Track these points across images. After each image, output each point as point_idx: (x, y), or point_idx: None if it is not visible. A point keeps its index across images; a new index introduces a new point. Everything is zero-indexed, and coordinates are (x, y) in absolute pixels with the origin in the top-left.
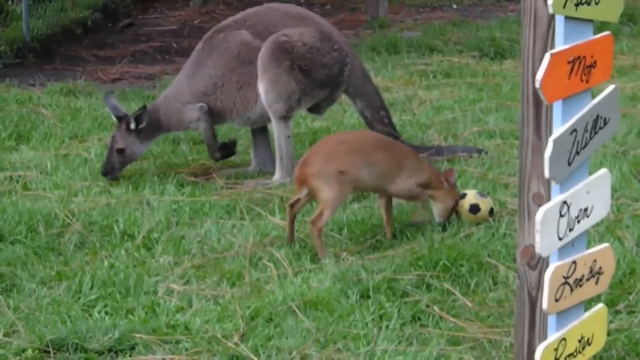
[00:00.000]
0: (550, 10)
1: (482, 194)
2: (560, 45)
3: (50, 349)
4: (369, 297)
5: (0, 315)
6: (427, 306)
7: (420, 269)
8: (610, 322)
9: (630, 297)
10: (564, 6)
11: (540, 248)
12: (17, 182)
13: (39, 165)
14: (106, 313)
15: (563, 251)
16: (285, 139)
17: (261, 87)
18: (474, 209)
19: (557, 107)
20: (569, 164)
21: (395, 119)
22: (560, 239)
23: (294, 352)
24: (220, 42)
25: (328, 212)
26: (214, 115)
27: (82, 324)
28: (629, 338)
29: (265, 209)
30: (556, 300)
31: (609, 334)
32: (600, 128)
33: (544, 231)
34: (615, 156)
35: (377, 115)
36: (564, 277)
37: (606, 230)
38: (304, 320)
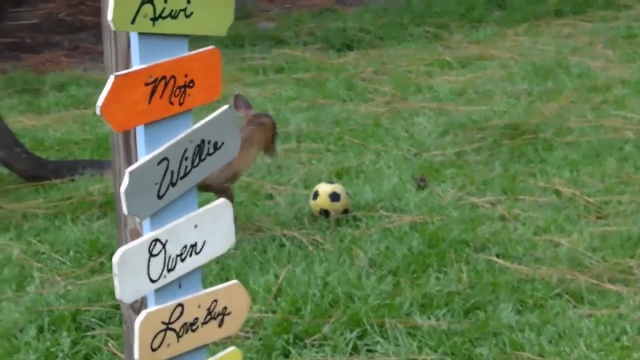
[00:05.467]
0: (112, 27)
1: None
2: (137, 65)
3: None
4: (52, 331)
5: None
6: (106, 342)
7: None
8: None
9: (325, 329)
10: (133, 22)
11: (120, 293)
12: None
13: None
14: None
15: (163, 293)
16: None
17: None
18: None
19: (140, 134)
20: (160, 197)
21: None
22: (153, 281)
23: None
24: None
25: None
26: None
27: None
28: None
29: None
30: (154, 349)
31: None
32: (209, 154)
33: (124, 274)
34: (406, 159)
35: (13, 153)
36: (163, 323)
37: (346, 247)
38: None
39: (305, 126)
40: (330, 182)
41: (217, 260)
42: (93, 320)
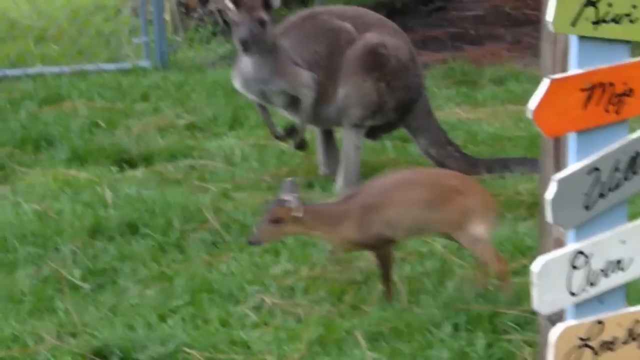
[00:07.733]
0: (551, 29)
1: None
2: (574, 69)
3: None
4: (467, 330)
5: (65, 315)
6: (521, 349)
7: None
8: None
9: None
10: (573, 24)
11: (537, 304)
12: (197, 171)
13: (230, 155)
14: (183, 321)
15: (583, 308)
16: (355, 149)
17: (343, 87)
18: None
19: (572, 141)
20: (587, 208)
21: None
22: (573, 294)
23: None
24: (324, 23)
25: None
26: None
27: (146, 331)
28: None
29: None
30: None
31: None
32: None
33: (544, 285)
34: None
35: (444, 151)
36: (581, 339)
37: None
38: (370, 351)
39: None
40: None
41: None
42: (510, 323)
